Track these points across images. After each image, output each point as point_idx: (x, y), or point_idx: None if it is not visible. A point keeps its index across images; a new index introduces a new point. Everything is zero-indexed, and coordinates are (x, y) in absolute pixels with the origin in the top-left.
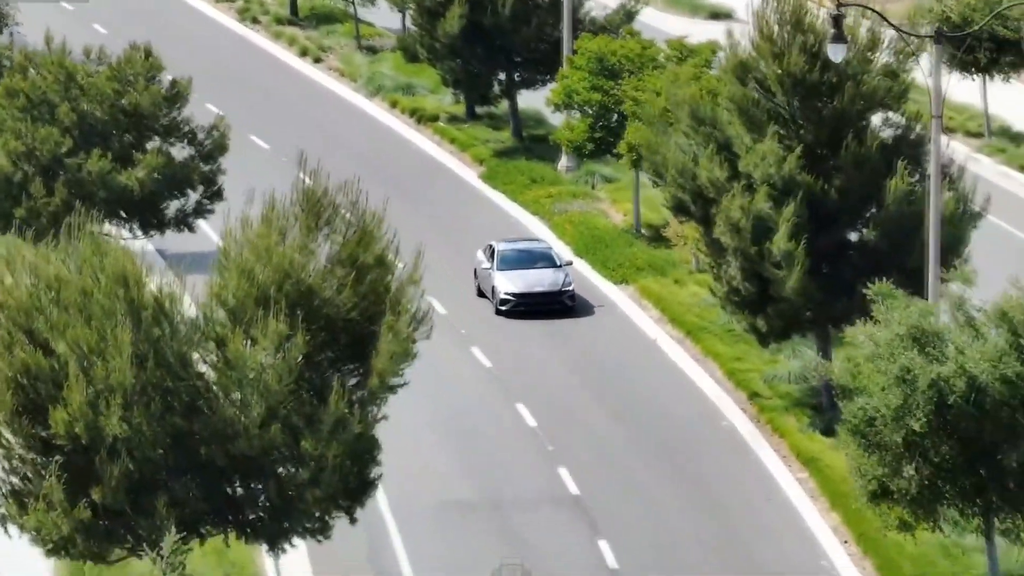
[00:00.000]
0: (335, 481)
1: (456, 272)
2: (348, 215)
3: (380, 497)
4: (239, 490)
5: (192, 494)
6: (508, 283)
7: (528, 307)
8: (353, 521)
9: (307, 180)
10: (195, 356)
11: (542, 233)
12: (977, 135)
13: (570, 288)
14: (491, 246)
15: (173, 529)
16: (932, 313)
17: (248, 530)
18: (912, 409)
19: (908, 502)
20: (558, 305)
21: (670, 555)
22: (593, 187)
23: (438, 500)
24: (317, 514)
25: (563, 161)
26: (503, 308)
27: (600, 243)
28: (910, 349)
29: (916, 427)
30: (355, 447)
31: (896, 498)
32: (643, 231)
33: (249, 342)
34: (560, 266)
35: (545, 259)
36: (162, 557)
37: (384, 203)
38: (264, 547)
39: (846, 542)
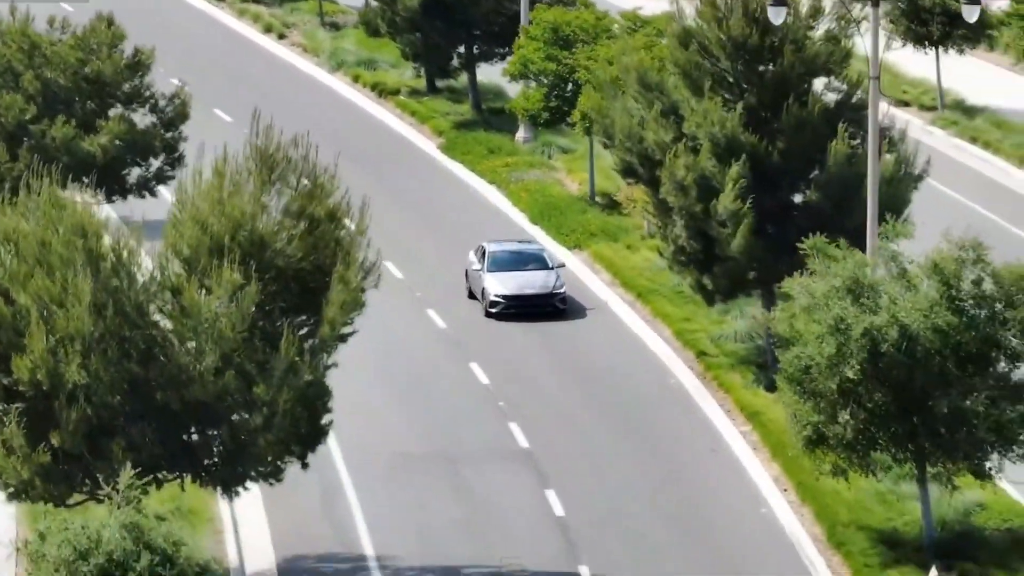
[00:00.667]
0: (287, 426)
1: (414, 238)
2: (300, 169)
3: (334, 449)
4: (194, 436)
5: (148, 439)
6: (498, 285)
7: (518, 309)
8: (305, 466)
9: (258, 137)
10: (151, 305)
11: (498, 201)
12: (931, 108)
13: (561, 290)
14: (482, 247)
15: (129, 465)
16: (867, 265)
17: (203, 474)
18: (846, 357)
19: (843, 447)
20: (549, 308)
21: (616, 504)
22: (550, 157)
23: (391, 452)
24: (269, 458)
25: (521, 132)
26: (492, 310)
27: (555, 210)
28: (845, 300)
29: (850, 375)
30: (306, 394)
31: (831, 444)
32: (597, 199)
33: (203, 291)
34: (552, 268)
35: (537, 261)
36: (118, 491)
37: (335, 159)
38: (219, 491)
39: (786, 490)
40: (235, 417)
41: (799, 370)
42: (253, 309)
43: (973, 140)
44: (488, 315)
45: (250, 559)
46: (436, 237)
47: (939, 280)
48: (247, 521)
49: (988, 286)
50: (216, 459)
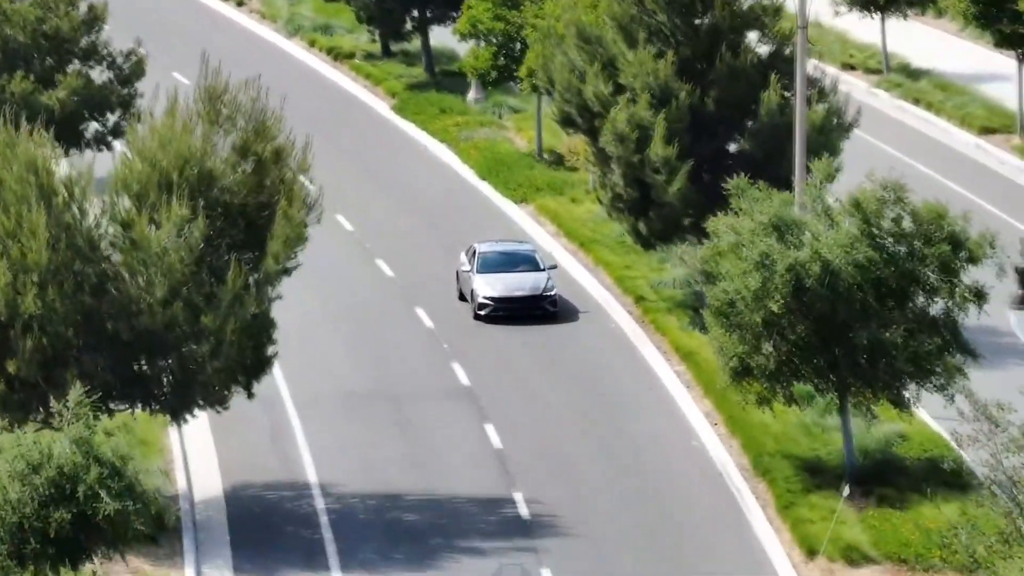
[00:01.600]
0: (233, 355)
1: (365, 194)
2: (247, 110)
3: (283, 389)
4: (144, 366)
5: (100, 368)
6: (487, 287)
7: (507, 312)
8: (250, 396)
9: (208, 79)
10: (103, 239)
11: (448, 158)
12: (877, 72)
13: (552, 292)
14: (473, 248)
15: (79, 384)
16: (791, 203)
17: (153, 403)
18: (770, 292)
19: (767, 378)
20: (539, 311)
21: (552, 437)
22: (500, 117)
23: (337, 391)
24: (217, 386)
25: (472, 93)
26: (481, 313)
27: (503, 166)
28: (770, 237)
29: (774, 308)
30: (252, 325)
31: (756, 375)
32: (545, 156)
33: (153, 226)
34: (543, 269)
35: (528, 262)
36: (68, 408)
37: (281, 101)
38: (168, 419)
39: (716, 424)
40: (183, 347)
41: (725, 304)
42: (200, 243)
43: (916, 102)
44: (477, 318)
45: (199, 486)
46: (386, 193)
47: (860, 218)
48: (197, 454)
49: (907, 224)
50: (165, 387)
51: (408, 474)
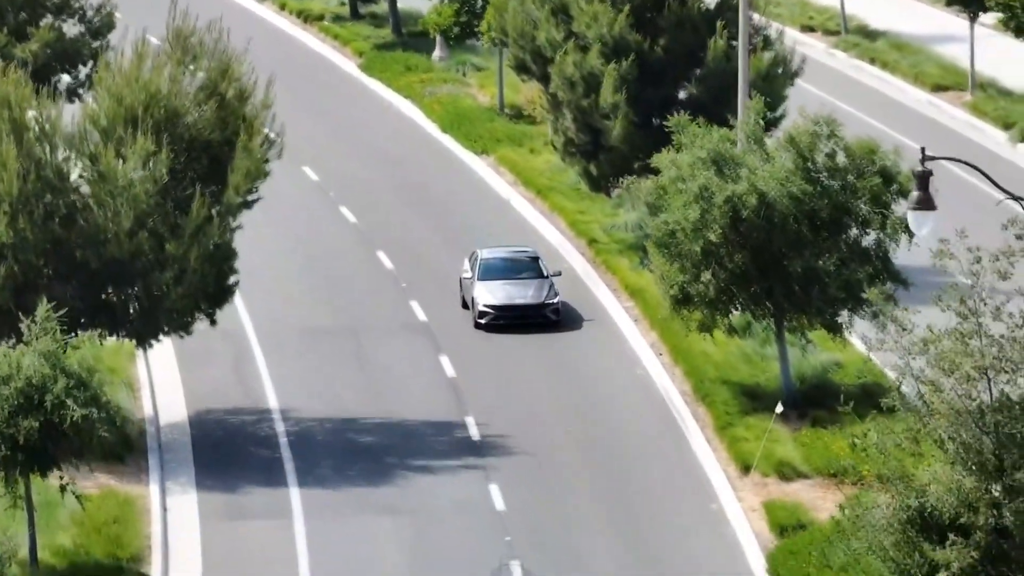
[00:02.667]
0: (196, 282)
1: (330, 146)
2: (213, 50)
3: (247, 324)
4: (111, 294)
5: (70, 295)
6: (487, 294)
7: (508, 321)
8: (213, 323)
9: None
10: (72, 171)
11: (412, 113)
12: (835, 33)
13: (555, 301)
14: (475, 253)
15: (45, 299)
16: (730, 139)
17: (119, 329)
18: (709, 223)
19: (705, 305)
20: (540, 319)
21: (502, 365)
22: (464, 75)
23: (300, 327)
24: (181, 313)
25: (437, 51)
26: (482, 321)
27: (465, 120)
28: (709, 170)
29: (713, 238)
30: (214, 253)
31: (696, 302)
32: (506, 111)
33: (120, 160)
34: (547, 277)
35: (531, 269)
36: (35, 322)
37: (246, 44)
38: (135, 344)
39: (661, 354)
40: (149, 275)
41: (666, 235)
42: (165, 176)
43: (872, 61)
44: (478, 326)
45: (164, 412)
46: (351, 146)
47: (795, 152)
48: (162, 384)
49: (840, 159)
50: (132, 314)
51: (365, 401)
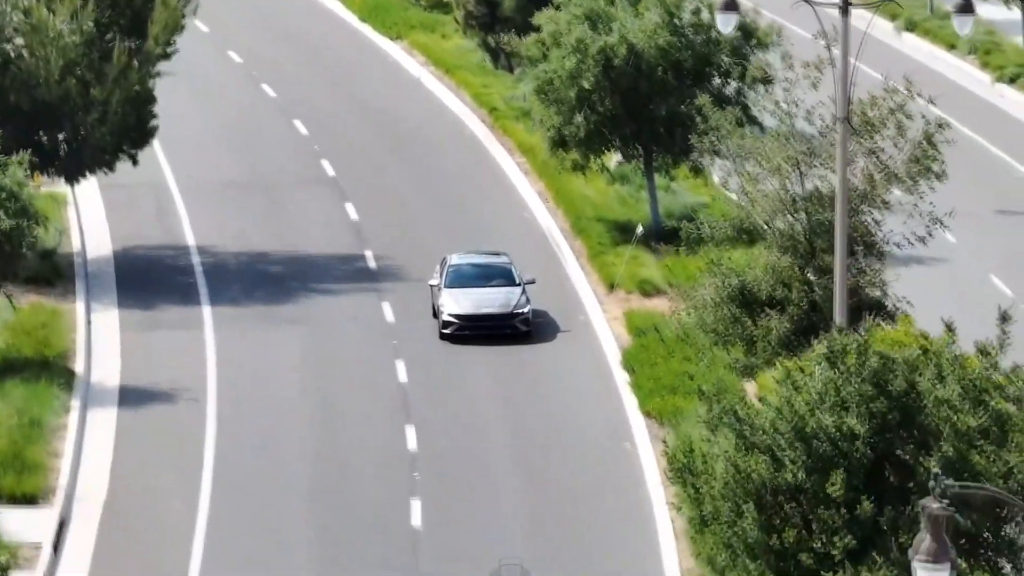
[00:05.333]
0: (119, 123)
1: (254, 34)
2: None
3: (169, 178)
4: (44, 136)
5: (5, 136)
6: (453, 303)
7: (474, 331)
8: (135, 163)
9: None
10: (7, 25)
11: (332, 5)
12: None
13: (524, 310)
14: (445, 259)
15: None
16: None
17: (51, 168)
18: (583, 72)
19: (578, 145)
20: (508, 329)
21: (401, 213)
22: None
23: (218, 181)
24: (105, 151)
25: None
26: (446, 332)
27: (381, 9)
28: (584, 25)
29: (586, 85)
30: (136, 98)
31: (570, 144)
32: (421, 1)
33: (51, 14)
34: (519, 284)
35: (502, 276)
36: None
37: None
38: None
39: (547, 201)
40: (76, 117)
41: (544, 83)
42: (91, 28)
43: None
44: (443, 337)
45: (91, 248)
46: (274, 32)
47: (663, 9)
48: (91, 226)
49: (705, 16)
50: (62, 153)
51: (275, 240)
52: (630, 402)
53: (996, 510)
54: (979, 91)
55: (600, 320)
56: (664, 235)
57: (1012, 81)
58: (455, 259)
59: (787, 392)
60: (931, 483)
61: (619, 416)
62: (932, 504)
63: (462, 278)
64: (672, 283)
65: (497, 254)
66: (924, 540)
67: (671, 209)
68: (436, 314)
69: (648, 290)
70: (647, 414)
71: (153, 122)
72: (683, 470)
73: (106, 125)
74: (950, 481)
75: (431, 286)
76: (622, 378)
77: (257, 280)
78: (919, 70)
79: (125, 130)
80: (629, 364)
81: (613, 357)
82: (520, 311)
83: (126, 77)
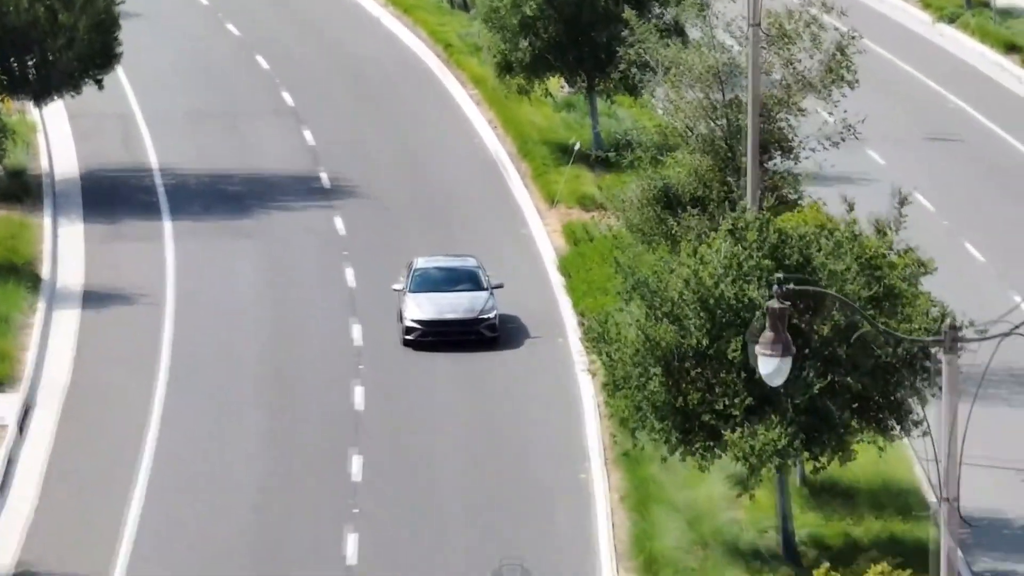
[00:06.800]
0: (85, 48)
1: None
2: None
3: (135, 106)
4: (14, 61)
5: None
6: (416, 308)
7: (437, 337)
8: (101, 87)
9: None
10: None
11: None
12: None
13: (490, 316)
14: (411, 263)
15: None
16: None
17: (20, 91)
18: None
19: (523, 70)
20: (473, 336)
21: (357, 134)
22: None
23: (182, 110)
24: (73, 74)
25: None
26: (409, 338)
27: None
28: None
29: (529, 12)
30: (101, 23)
31: (516, 69)
32: None
33: None
34: (486, 288)
35: (469, 280)
36: None
37: None
38: (32, 103)
39: (496, 127)
40: (44, 42)
41: (491, 11)
42: None
43: None
44: (406, 343)
45: (59, 169)
46: None
47: None
48: (59, 149)
49: None
50: (31, 77)
51: (235, 163)
52: (565, 303)
53: (887, 376)
54: (920, 30)
55: (540, 232)
56: (604, 157)
57: (951, 21)
58: (421, 263)
59: (694, 265)
60: (774, 286)
61: (554, 315)
62: (773, 303)
63: (427, 282)
64: (601, 186)
65: (465, 257)
66: (764, 332)
67: (612, 130)
68: (401, 319)
69: (588, 205)
70: (581, 314)
71: (118, 48)
72: (598, 339)
73: (73, 50)
74: (791, 285)
75: (395, 291)
76: (559, 281)
77: (216, 198)
78: (859, 9)
79: (91, 55)
80: (565, 269)
81: (551, 264)
82: (486, 316)
83: (92, 3)
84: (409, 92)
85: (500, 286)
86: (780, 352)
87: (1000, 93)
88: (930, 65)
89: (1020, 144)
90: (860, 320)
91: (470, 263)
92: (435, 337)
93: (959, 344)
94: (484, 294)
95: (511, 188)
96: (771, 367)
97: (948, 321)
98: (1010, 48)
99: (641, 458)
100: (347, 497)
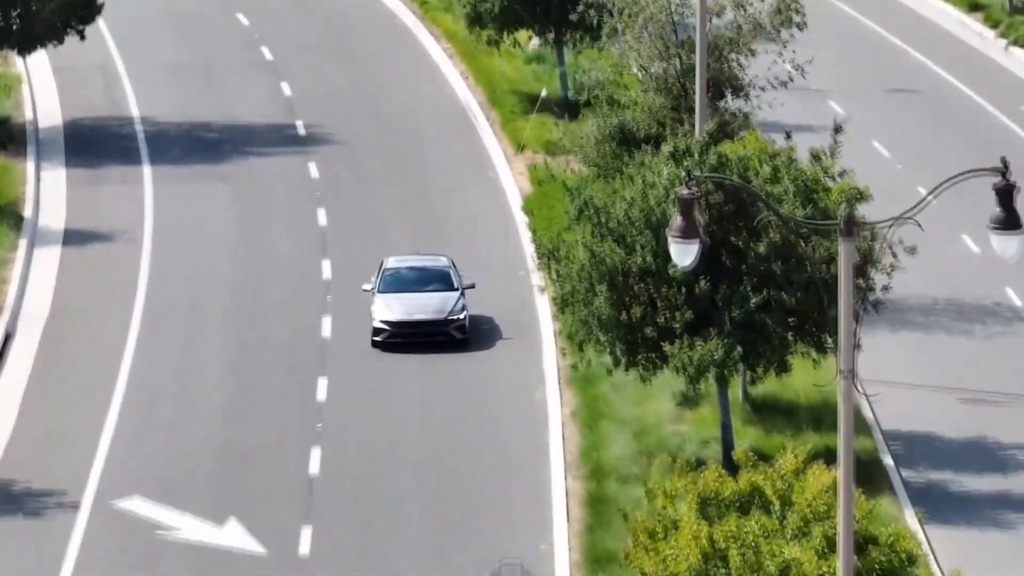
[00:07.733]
0: None
1: None
2: None
3: (117, 59)
4: None
5: None
6: (384, 309)
7: (406, 338)
8: (83, 37)
9: None
10: None
11: None
12: None
13: (460, 317)
14: (381, 263)
15: None
16: None
17: (5, 42)
18: None
19: (493, 20)
20: (443, 337)
21: (333, 87)
22: None
23: (162, 63)
24: (56, 24)
25: None
26: (377, 339)
27: None
28: None
29: None
30: None
31: (486, 21)
32: None
33: None
34: (457, 289)
35: (440, 280)
36: None
37: None
38: (16, 53)
39: (468, 78)
40: None
41: None
42: None
43: None
44: (374, 345)
45: (43, 118)
46: None
47: None
48: (42, 100)
49: None
50: (15, 28)
51: (213, 112)
52: (527, 238)
53: (820, 293)
54: None
55: (507, 175)
56: (571, 106)
57: None
58: (391, 262)
59: (639, 186)
60: (685, 177)
61: (517, 252)
62: (683, 190)
63: (397, 283)
64: (564, 131)
65: (437, 257)
66: (676, 220)
67: (578, 79)
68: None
69: (553, 151)
70: (533, 231)
71: (100, 0)
72: (548, 255)
73: (55, 2)
74: (699, 174)
75: (365, 291)
76: (522, 220)
77: (194, 145)
78: None
79: (73, 6)
80: (529, 208)
81: (516, 203)
82: (455, 317)
83: None
84: (385, 47)
85: (472, 286)
86: (692, 239)
87: (961, 49)
88: (895, 22)
89: (975, 95)
90: (795, 239)
91: (442, 263)
92: (404, 338)
93: (856, 230)
94: (454, 294)
95: (480, 135)
96: (680, 251)
97: (845, 207)
98: (973, 7)
99: (592, 378)
100: (313, 418)
